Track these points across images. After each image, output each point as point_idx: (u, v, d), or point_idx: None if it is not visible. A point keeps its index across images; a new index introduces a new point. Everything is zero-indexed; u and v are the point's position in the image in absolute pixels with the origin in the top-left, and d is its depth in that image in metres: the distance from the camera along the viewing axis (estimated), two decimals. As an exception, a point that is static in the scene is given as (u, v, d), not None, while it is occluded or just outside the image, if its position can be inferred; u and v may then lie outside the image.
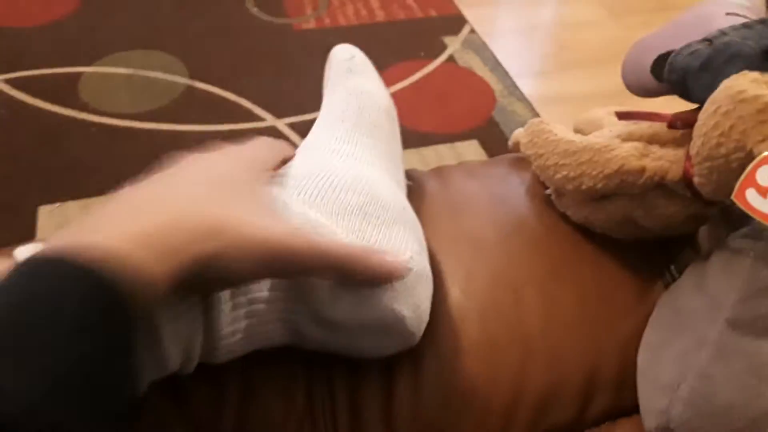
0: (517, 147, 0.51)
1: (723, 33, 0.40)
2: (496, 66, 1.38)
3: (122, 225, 0.28)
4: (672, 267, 0.43)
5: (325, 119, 0.46)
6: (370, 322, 0.36)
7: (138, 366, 0.28)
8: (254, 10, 1.50)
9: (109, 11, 1.46)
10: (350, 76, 0.48)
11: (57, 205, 1.01)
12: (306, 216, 0.35)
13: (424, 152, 1.17)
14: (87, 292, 0.26)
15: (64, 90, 1.22)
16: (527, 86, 1.33)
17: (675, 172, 0.38)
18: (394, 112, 0.49)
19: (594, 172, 0.41)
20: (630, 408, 0.37)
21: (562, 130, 0.46)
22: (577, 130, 0.54)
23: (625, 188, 0.41)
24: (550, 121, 0.47)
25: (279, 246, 0.32)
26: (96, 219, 0.29)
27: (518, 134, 0.51)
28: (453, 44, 1.44)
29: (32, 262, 0.27)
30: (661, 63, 0.45)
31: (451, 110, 1.28)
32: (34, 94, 1.21)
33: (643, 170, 0.39)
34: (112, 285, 0.26)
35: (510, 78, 1.35)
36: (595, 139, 0.43)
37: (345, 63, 0.49)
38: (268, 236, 0.31)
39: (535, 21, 1.57)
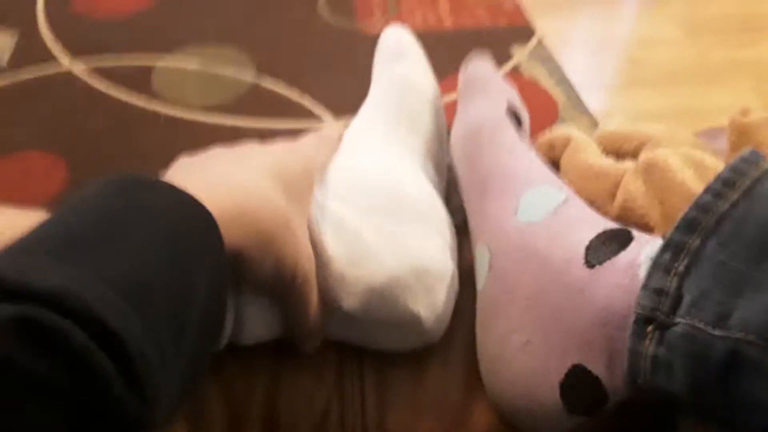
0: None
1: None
2: (561, 79, 1.35)
3: (203, 195, 0.30)
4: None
5: (366, 106, 0.47)
6: (384, 318, 0.36)
7: (224, 314, 0.30)
8: (324, 12, 1.53)
9: (184, 7, 1.52)
10: (396, 63, 0.49)
11: (121, 189, 1.06)
12: (331, 211, 0.38)
13: (480, 161, 1.15)
14: (192, 212, 0.28)
15: (137, 80, 1.28)
16: (593, 101, 1.30)
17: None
18: (439, 103, 0.50)
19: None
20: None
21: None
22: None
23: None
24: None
25: (296, 272, 0.33)
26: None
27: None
28: (519, 54, 1.42)
29: (129, 179, 0.29)
30: (580, 386, 0.33)
31: (512, 121, 1.26)
32: (110, 83, 1.27)
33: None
34: (214, 224, 0.29)
35: (575, 91, 1.32)
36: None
37: (392, 48, 0.50)
38: (297, 259, 0.33)
39: (607, 35, 1.54)
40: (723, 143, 0.42)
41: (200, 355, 0.28)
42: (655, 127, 0.45)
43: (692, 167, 0.39)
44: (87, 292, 0.20)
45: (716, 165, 0.39)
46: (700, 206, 0.30)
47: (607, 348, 0.31)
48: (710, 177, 0.39)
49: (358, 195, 0.39)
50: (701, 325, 0.27)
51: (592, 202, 0.40)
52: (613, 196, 0.40)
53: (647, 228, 0.38)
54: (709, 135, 0.46)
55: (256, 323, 0.36)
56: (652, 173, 0.39)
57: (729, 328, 0.27)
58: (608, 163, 0.41)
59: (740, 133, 0.40)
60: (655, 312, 0.29)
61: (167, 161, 1.12)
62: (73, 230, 0.24)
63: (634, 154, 0.44)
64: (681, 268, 0.29)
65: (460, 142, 0.43)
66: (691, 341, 0.27)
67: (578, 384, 0.33)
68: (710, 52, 1.48)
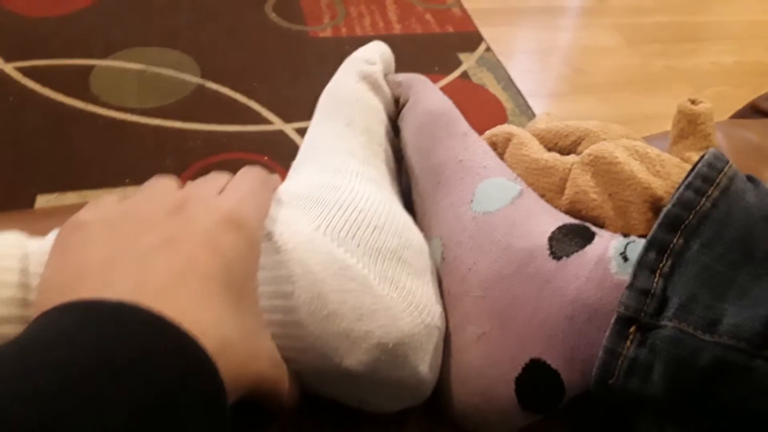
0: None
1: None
2: (509, 85, 1.37)
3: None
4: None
5: (333, 122, 0.41)
6: (386, 379, 0.32)
7: None
8: (272, 16, 1.51)
9: (127, 7, 1.47)
10: (360, 81, 0.43)
11: (55, 195, 1.01)
12: (333, 257, 0.31)
13: (430, 165, 1.15)
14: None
15: (75, 81, 1.22)
16: (539, 106, 1.32)
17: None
18: (394, 139, 0.45)
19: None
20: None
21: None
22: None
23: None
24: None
25: (259, 381, 0.27)
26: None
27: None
28: (468, 61, 1.43)
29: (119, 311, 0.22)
30: (537, 380, 0.31)
31: (460, 126, 1.26)
32: (45, 84, 1.21)
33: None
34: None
35: (522, 97, 1.34)
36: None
37: (361, 64, 0.44)
38: (257, 371, 0.27)
39: (551, 44, 1.57)
40: (657, 146, 0.42)
41: None
42: (587, 122, 0.45)
43: (638, 159, 0.39)
44: None
45: (658, 155, 0.39)
46: (683, 203, 0.29)
47: (570, 341, 0.30)
48: (657, 167, 0.39)
49: (363, 234, 0.32)
50: (690, 330, 0.26)
51: (542, 197, 0.39)
52: (562, 190, 0.40)
53: (598, 221, 0.38)
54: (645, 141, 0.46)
55: None
56: (600, 166, 0.39)
57: (719, 334, 0.26)
58: (553, 157, 0.41)
59: (689, 120, 0.40)
60: (640, 313, 0.28)
61: (107, 166, 1.08)
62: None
63: (571, 150, 0.44)
64: (666, 269, 0.28)
65: (413, 134, 0.42)
66: (678, 345, 0.26)
67: (535, 379, 0.31)
68: (650, 60, 1.52)
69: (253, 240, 0.29)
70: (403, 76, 0.46)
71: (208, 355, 0.22)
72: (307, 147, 0.41)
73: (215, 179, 0.32)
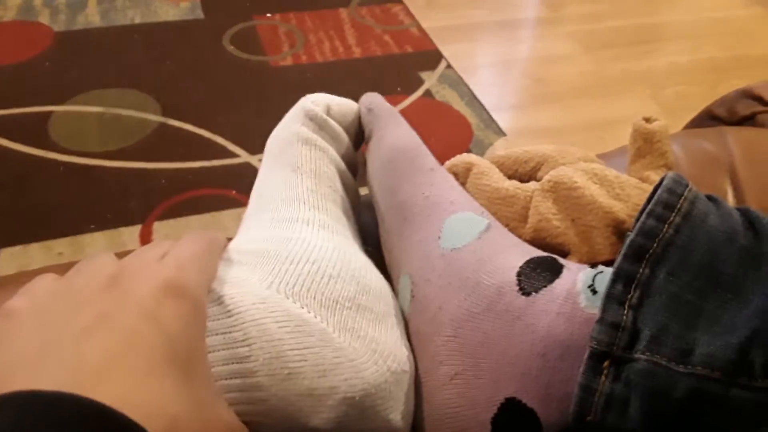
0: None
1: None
2: (472, 100, 1.38)
3: None
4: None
5: (280, 168, 0.40)
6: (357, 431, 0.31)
7: None
8: (230, 48, 1.50)
9: (82, 51, 1.45)
10: (306, 122, 0.43)
11: (20, 247, 0.98)
12: (288, 314, 0.30)
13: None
14: None
15: (34, 130, 1.20)
16: (503, 119, 1.33)
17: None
18: (349, 177, 0.44)
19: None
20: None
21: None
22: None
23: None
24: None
25: None
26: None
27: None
28: (430, 79, 1.44)
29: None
30: (514, 420, 0.30)
31: (429, 144, 1.26)
32: (2, 134, 1.19)
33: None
34: None
35: (486, 111, 1.34)
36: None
37: (307, 104, 0.44)
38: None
39: (510, 56, 1.58)
40: (615, 164, 0.42)
41: None
42: (544, 147, 0.45)
43: (597, 182, 0.39)
44: None
45: (617, 177, 0.39)
46: (645, 231, 0.29)
47: (545, 378, 0.29)
48: (617, 190, 0.39)
49: (318, 286, 0.32)
50: (664, 362, 0.26)
51: (505, 226, 0.39)
52: (525, 218, 0.40)
53: (564, 248, 0.38)
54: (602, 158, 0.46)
55: None
56: (561, 192, 0.39)
57: (693, 365, 0.26)
58: (514, 185, 0.41)
59: (645, 139, 0.41)
60: (612, 347, 0.27)
61: (71, 214, 1.06)
62: None
63: (531, 176, 0.44)
64: (634, 300, 0.28)
65: (379, 171, 0.42)
66: (652, 378, 0.26)
67: (512, 418, 0.30)
68: (608, 65, 1.55)
69: (197, 306, 0.27)
70: (373, 104, 0.45)
71: None
72: (256, 196, 0.40)
73: (156, 246, 0.31)
